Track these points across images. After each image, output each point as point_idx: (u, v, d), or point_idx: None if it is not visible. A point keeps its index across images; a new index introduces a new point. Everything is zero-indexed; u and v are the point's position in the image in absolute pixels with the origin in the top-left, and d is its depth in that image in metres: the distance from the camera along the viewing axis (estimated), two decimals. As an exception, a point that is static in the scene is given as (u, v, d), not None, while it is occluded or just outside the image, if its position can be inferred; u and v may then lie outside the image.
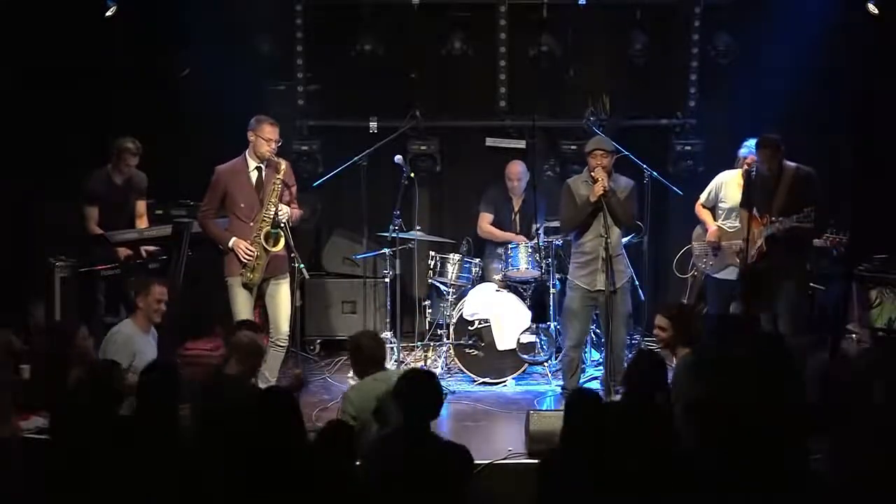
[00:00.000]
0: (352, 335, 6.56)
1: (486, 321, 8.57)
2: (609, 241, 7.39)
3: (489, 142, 9.66)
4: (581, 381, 8.23)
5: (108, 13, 8.71)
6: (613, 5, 9.51)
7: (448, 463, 5.13)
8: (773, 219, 7.46)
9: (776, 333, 6.81)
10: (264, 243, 7.44)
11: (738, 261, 7.76)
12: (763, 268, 7.50)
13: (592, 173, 7.43)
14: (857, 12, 8.80)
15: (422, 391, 5.20)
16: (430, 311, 9.10)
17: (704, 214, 8.17)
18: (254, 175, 7.53)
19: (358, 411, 5.87)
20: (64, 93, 8.77)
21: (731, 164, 8.23)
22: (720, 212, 8.08)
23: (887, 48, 8.96)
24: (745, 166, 7.76)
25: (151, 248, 8.23)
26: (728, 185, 8.04)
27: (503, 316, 8.57)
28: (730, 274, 7.89)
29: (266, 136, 7.46)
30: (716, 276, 8.07)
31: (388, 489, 4.96)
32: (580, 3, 9.13)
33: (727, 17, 9.26)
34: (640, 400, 5.49)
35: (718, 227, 8.06)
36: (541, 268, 8.61)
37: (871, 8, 8.73)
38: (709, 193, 8.16)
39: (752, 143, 7.85)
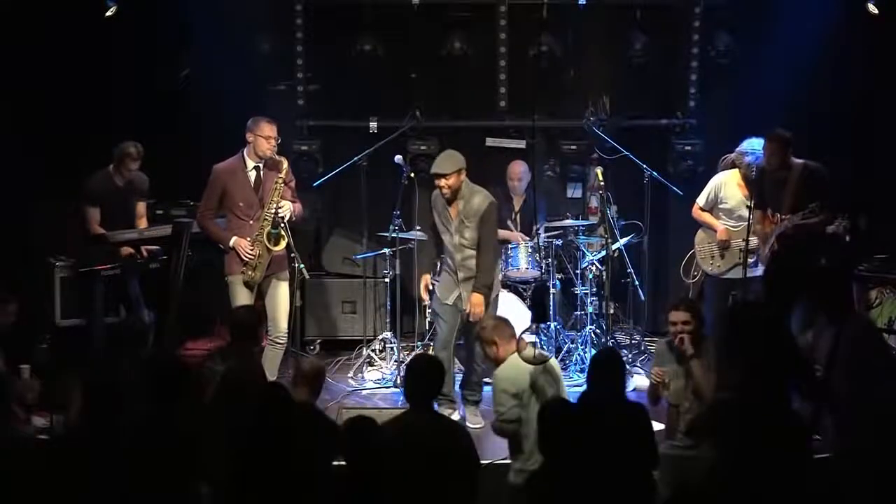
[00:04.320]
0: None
1: (486, 321, 8.55)
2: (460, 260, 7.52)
3: (489, 142, 9.65)
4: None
5: (108, 13, 8.71)
6: (613, 5, 9.51)
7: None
8: (783, 217, 7.44)
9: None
10: (266, 242, 7.45)
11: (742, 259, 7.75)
12: (781, 266, 7.51)
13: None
14: (857, 12, 8.80)
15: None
16: (430, 311, 9.09)
17: (706, 217, 8.08)
18: (252, 174, 7.54)
19: (518, 389, 6.07)
20: (64, 93, 8.77)
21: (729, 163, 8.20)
22: (721, 213, 8.05)
23: (887, 48, 8.96)
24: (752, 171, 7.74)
25: (153, 247, 8.24)
26: (728, 185, 7.99)
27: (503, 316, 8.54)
28: (734, 273, 7.88)
29: (265, 134, 7.47)
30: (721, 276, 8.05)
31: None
32: (580, 3, 9.12)
33: (727, 17, 9.27)
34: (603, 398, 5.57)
35: (725, 227, 8.03)
36: (541, 268, 8.60)
37: (871, 8, 8.73)
38: (708, 196, 8.07)
39: (756, 145, 7.81)
